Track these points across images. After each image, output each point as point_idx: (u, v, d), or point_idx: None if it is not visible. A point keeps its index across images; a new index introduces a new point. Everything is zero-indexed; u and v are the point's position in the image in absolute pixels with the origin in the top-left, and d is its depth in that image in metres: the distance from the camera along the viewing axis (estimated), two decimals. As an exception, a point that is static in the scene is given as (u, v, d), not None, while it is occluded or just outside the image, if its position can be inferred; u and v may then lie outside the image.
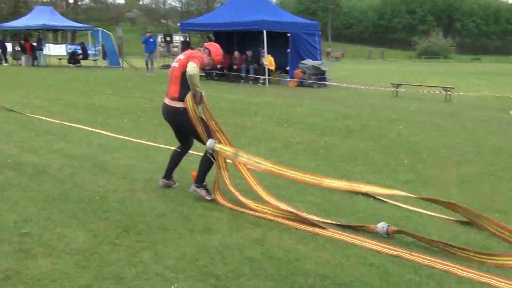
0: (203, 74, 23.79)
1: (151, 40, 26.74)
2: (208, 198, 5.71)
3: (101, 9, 79.76)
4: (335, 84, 20.95)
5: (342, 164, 7.57)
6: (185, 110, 5.62)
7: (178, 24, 26.39)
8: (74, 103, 13.72)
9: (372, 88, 20.21)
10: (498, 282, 3.86)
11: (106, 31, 33.35)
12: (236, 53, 22.86)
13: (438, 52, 66.54)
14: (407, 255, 4.30)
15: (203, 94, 5.67)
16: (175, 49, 33.30)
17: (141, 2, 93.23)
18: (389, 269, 4.06)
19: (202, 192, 5.73)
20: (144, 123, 10.77)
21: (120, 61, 31.92)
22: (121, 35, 32.89)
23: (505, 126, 11.53)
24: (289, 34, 21.29)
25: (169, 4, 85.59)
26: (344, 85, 20.80)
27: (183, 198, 5.76)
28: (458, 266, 4.12)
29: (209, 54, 5.79)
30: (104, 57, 33.54)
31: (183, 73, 5.50)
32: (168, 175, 6.12)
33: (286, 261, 4.16)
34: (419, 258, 4.23)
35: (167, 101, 5.83)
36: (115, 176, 6.59)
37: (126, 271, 3.92)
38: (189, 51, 5.86)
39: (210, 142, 5.67)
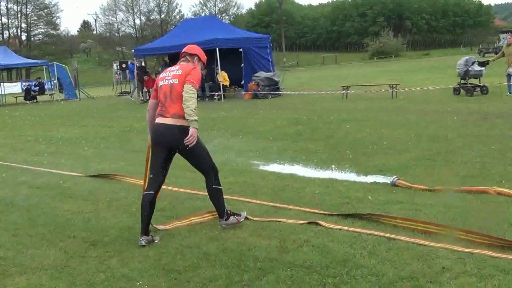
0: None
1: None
2: (242, 219, 5.39)
3: (55, 43, 79.45)
4: (289, 92, 21.65)
5: (292, 164, 8.13)
6: None
7: (133, 50, 26.79)
8: (35, 138, 14.03)
9: (323, 93, 20.96)
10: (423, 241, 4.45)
11: (61, 64, 33.53)
12: (205, 71, 23.33)
13: (389, 52, 68.26)
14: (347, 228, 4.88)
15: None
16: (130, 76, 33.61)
17: (94, 32, 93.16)
18: (329, 246, 4.61)
19: (233, 220, 5.33)
20: (104, 149, 11.18)
21: (77, 93, 32.09)
22: (76, 66, 33.13)
23: (445, 114, 12.30)
24: (241, 49, 21.93)
25: (123, 31, 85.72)
26: (297, 92, 21.50)
27: (145, 211, 6.22)
28: (386, 234, 4.71)
29: (199, 59, 5.46)
30: (61, 90, 33.64)
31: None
32: (146, 229, 5.08)
33: (239, 252, 4.68)
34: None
35: (167, 120, 5.11)
36: (79, 199, 7.02)
37: (96, 277, 4.38)
38: (184, 65, 5.33)
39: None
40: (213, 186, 5.34)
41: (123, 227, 5.67)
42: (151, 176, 5.31)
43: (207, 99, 22.38)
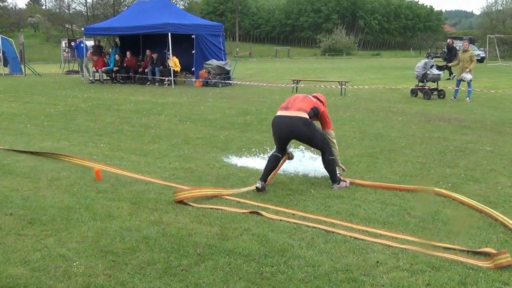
0: (108, 78, 23.82)
1: (82, 45, 26.45)
2: (348, 184, 6.35)
3: (1, 15, 76.59)
4: (239, 82, 21.66)
5: (238, 153, 8.18)
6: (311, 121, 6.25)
7: (83, 28, 26.15)
8: (-25, 111, 13.56)
9: (274, 85, 21.09)
10: (363, 237, 4.58)
11: (6, 38, 32.41)
12: (148, 51, 22.91)
13: (341, 49, 69.00)
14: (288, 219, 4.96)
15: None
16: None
17: (44, 7, 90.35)
18: (269, 236, 4.69)
19: (343, 184, 6.31)
20: (48, 127, 10.92)
21: (23, 68, 31.13)
22: (22, 41, 32.05)
23: (390, 114, 12.60)
24: (193, 36, 21.76)
25: (74, 8, 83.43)
26: (248, 83, 21.54)
27: (86, 191, 6.15)
28: (326, 228, 4.82)
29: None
30: (6, 64, 32.55)
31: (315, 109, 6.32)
32: (265, 178, 6.24)
33: (179, 237, 4.69)
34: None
35: (289, 113, 6.25)
36: (19, 177, 6.85)
37: (32, 255, 4.31)
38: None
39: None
40: (330, 157, 6.29)
41: (62, 206, 5.58)
42: None
43: (157, 84, 22.11)
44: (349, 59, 57.87)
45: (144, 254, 4.33)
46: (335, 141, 6.52)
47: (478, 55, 36.81)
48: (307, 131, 6.20)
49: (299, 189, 6.25)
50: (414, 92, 16.86)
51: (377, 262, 4.14)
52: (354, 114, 12.68)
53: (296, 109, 6.24)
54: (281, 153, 6.50)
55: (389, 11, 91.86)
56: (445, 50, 26.95)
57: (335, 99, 16.12)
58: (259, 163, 7.45)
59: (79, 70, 26.89)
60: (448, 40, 16.78)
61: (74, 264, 4.13)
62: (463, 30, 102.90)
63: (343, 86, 17.54)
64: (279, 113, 6.37)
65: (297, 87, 18.42)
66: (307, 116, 6.19)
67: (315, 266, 4.06)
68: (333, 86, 18.73)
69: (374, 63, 44.76)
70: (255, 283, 3.81)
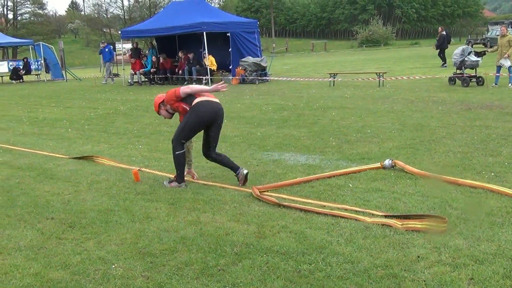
0: (146, 79, 24.12)
1: (106, 49, 26.98)
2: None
3: (42, 23, 78.47)
4: (276, 78, 21.59)
5: (275, 150, 8.13)
6: None
7: (120, 32, 26.56)
8: (19, 118, 13.91)
9: (311, 79, 20.94)
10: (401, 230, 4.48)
11: (47, 44, 33.17)
12: (181, 53, 23.18)
13: (378, 40, 68.13)
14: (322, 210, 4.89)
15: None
16: (119, 57, 33.34)
17: (82, 12, 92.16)
18: (306, 233, 4.62)
19: (173, 184, 6.41)
20: (88, 131, 11.10)
21: (64, 73, 31.81)
22: (62, 47, 32.77)
23: (430, 104, 12.34)
24: (228, 34, 21.80)
25: (111, 12, 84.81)
26: (284, 79, 21.46)
27: (125, 194, 6.20)
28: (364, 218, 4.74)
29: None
30: (47, 70, 33.33)
31: None
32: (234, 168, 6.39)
33: (216, 236, 4.67)
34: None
35: (217, 100, 6.38)
36: (60, 181, 6.97)
37: (72, 259, 4.36)
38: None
39: None
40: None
41: (102, 209, 5.64)
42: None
43: (194, 83, 22.25)
44: (387, 50, 57.10)
45: (181, 254, 4.33)
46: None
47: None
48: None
49: (337, 183, 6.15)
50: (452, 80, 16.47)
51: (418, 257, 4.03)
52: (392, 105, 12.47)
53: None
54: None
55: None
56: (487, 36, 26.82)
57: (373, 91, 15.90)
58: (296, 160, 7.39)
59: (109, 75, 27.25)
60: (501, 28, 16.33)
61: (113, 266, 4.16)
62: (504, 15, 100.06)
63: (381, 78, 17.27)
64: (208, 98, 6.32)
65: (334, 80, 18.24)
66: None
67: (354, 263, 3.98)
68: (370, 78, 18.47)
69: (413, 53, 43.97)
70: (293, 281, 3.76)
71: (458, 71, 16.21)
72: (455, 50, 16.32)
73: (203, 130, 6.40)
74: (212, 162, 6.66)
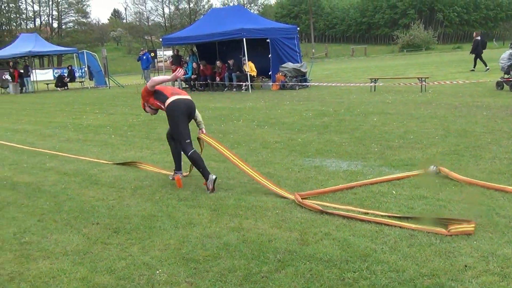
0: (186, 86, 24.40)
1: (144, 57, 27.50)
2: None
3: (86, 31, 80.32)
4: (316, 84, 21.52)
5: (317, 156, 8.09)
6: None
7: (161, 39, 26.96)
8: (64, 125, 14.24)
9: (351, 85, 20.79)
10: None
11: (91, 52, 33.92)
12: (218, 62, 23.43)
13: (420, 45, 67.24)
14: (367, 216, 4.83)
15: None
16: (160, 64, 33.83)
17: (124, 21, 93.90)
18: (350, 240, 4.58)
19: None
20: (131, 137, 11.28)
21: (107, 81, 32.43)
22: (105, 55, 33.43)
23: (474, 109, 12.08)
24: (268, 40, 21.85)
25: (152, 20, 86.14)
26: (324, 84, 21.37)
27: (168, 199, 6.27)
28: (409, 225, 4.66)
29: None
30: (91, 78, 34.07)
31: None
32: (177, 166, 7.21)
33: (259, 243, 4.67)
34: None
35: (188, 96, 6.88)
36: (105, 186, 7.11)
37: (117, 264, 4.43)
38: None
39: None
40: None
41: (145, 215, 5.71)
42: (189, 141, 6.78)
43: (234, 90, 22.38)
44: (429, 54, 56.24)
45: (224, 261, 4.34)
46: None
47: None
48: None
49: (380, 190, 6.08)
50: (499, 85, 16.07)
51: (465, 266, 3.94)
52: (435, 110, 12.25)
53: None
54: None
55: (469, 2, 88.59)
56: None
57: (415, 96, 15.67)
58: (338, 166, 7.34)
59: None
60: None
61: (157, 272, 4.20)
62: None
63: (423, 83, 17.01)
64: (177, 97, 6.72)
65: (375, 85, 18.06)
66: None
67: (399, 271, 3.92)
68: (412, 83, 18.21)
69: (455, 57, 43.17)
70: (337, 289, 3.72)
71: (506, 76, 15.82)
72: (502, 55, 15.94)
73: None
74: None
